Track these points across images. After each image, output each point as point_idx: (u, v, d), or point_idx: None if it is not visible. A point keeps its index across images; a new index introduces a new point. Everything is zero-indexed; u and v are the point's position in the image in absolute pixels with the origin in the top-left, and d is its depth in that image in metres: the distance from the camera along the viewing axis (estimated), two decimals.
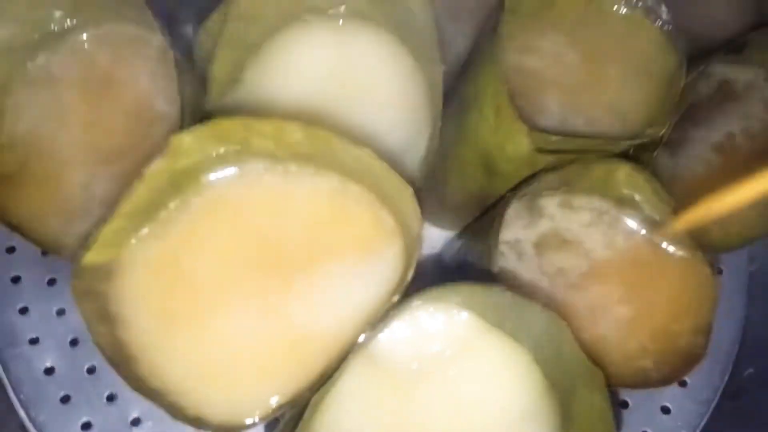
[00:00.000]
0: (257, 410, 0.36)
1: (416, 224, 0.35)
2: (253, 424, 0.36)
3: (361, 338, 0.35)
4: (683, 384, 0.54)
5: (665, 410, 0.54)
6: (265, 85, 0.44)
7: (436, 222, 0.54)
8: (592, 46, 0.46)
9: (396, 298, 0.35)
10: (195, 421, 0.36)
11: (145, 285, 0.38)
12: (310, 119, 0.37)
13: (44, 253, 0.54)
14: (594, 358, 0.37)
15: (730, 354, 0.57)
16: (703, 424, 0.54)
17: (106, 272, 0.37)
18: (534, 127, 0.39)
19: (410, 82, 0.45)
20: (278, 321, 0.38)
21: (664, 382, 0.41)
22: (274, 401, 0.36)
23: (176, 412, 0.36)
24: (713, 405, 0.55)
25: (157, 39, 0.44)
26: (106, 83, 0.45)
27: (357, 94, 0.45)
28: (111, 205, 0.36)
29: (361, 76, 0.45)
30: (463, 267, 0.45)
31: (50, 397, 0.51)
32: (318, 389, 0.34)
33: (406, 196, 0.35)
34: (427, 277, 0.36)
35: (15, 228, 0.41)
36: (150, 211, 0.38)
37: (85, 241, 0.36)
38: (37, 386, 0.51)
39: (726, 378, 0.56)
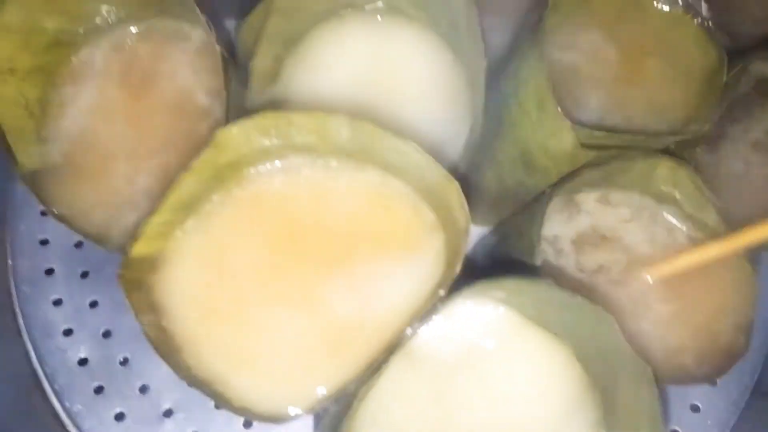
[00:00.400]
0: (301, 401, 0.37)
1: (462, 218, 0.35)
2: (297, 416, 0.36)
3: (408, 331, 0.35)
4: (713, 383, 0.54)
5: (695, 408, 0.54)
6: (305, 80, 0.45)
7: (472, 217, 0.53)
8: (631, 41, 0.46)
9: (443, 292, 0.35)
10: (240, 410, 0.36)
11: (189, 276, 0.38)
12: (349, 112, 0.38)
13: (77, 245, 0.55)
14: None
15: (760, 353, 0.56)
16: (733, 422, 0.54)
17: (152, 264, 0.38)
18: (577, 123, 0.39)
19: (449, 76, 0.45)
20: (321, 313, 0.38)
21: (703, 379, 0.41)
22: (318, 393, 0.37)
23: (222, 401, 0.36)
24: (743, 404, 0.55)
25: (198, 34, 0.45)
26: (149, 77, 0.45)
27: (395, 88, 0.45)
28: (157, 198, 0.37)
29: (398, 71, 0.45)
30: (500, 262, 0.45)
31: (84, 388, 0.51)
32: (365, 381, 0.34)
33: (451, 190, 0.35)
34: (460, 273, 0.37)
35: (62, 219, 0.42)
36: (195, 204, 0.39)
37: (133, 233, 0.36)
38: (71, 377, 0.52)
39: (756, 377, 0.56)
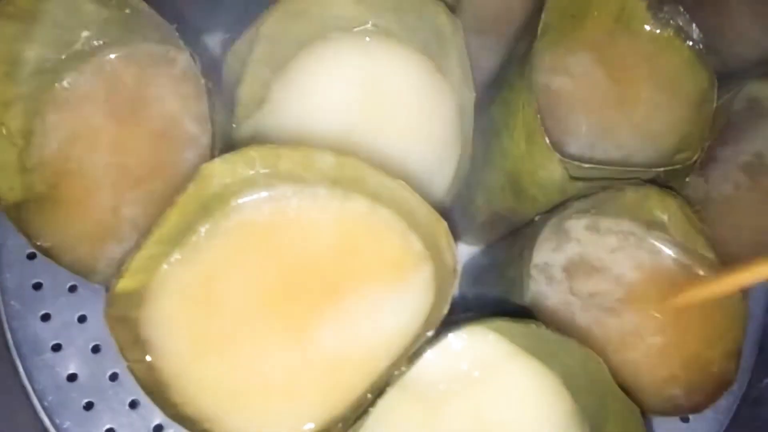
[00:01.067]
0: None
1: (450, 259, 0.35)
2: None
3: (396, 373, 0.35)
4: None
5: (684, 419, 0.54)
6: (292, 104, 0.44)
7: (462, 237, 0.53)
8: (621, 65, 0.45)
9: (431, 333, 0.35)
10: None
11: (176, 310, 0.38)
12: (339, 140, 0.37)
13: None
14: (622, 385, 0.37)
15: (749, 362, 0.57)
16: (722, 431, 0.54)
17: (138, 299, 0.37)
18: (565, 155, 0.39)
19: (439, 101, 0.44)
20: (309, 347, 0.38)
21: (693, 410, 0.41)
22: (306, 428, 0.37)
23: None
24: (732, 413, 0.55)
25: (184, 59, 0.44)
26: (133, 103, 0.45)
27: (384, 112, 0.45)
28: (143, 228, 0.36)
29: (388, 94, 0.45)
30: (488, 293, 0.45)
31: (73, 404, 0.51)
32: (354, 421, 0.34)
33: (440, 230, 0.35)
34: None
35: (45, 252, 0.42)
36: (181, 236, 0.38)
37: (118, 269, 0.36)
38: (61, 393, 0.51)
39: (745, 386, 0.56)
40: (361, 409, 0.35)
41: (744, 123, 0.48)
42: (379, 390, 0.35)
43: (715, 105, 0.42)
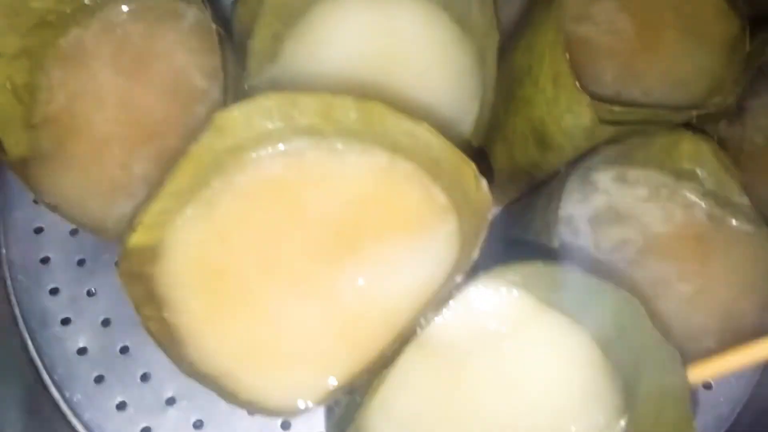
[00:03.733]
0: (310, 394, 0.36)
1: (481, 201, 0.33)
2: (307, 409, 0.35)
3: (422, 321, 0.34)
4: None
5: (707, 386, 0.53)
6: (306, 58, 0.43)
7: None
8: (647, 11, 0.44)
9: (459, 278, 0.33)
10: (248, 404, 0.35)
11: (191, 267, 0.37)
12: (354, 91, 0.36)
13: (73, 233, 0.53)
14: None
15: None
16: (746, 399, 0.53)
17: (151, 254, 0.36)
18: (595, 97, 0.38)
19: (456, 51, 0.43)
20: (329, 302, 0.37)
21: None
22: (327, 384, 0.36)
23: (228, 396, 0.35)
24: (755, 380, 0.54)
25: (193, 12, 0.43)
26: (142, 59, 0.44)
27: (399, 65, 0.44)
28: (154, 184, 0.35)
29: (402, 46, 0.44)
30: (513, 244, 0.44)
31: (84, 378, 0.50)
32: (379, 372, 0.33)
33: (467, 173, 0.33)
34: None
35: (55, 210, 0.41)
36: (194, 191, 0.37)
37: (130, 223, 0.35)
38: (71, 367, 0.51)
39: None
40: (384, 363, 0.34)
41: None
42: (405, 339, 0.34)
43: (747, 49, 0.40)
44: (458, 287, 0.34)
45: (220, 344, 0.36)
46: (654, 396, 0.35)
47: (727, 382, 0.53)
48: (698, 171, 0.41)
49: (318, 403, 0.35)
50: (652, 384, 0.35)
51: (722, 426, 0.51)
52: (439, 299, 0.35)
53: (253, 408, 0.35)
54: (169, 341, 0.35)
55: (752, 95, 0.47)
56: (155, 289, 0.36)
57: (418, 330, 0.34)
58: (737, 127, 0.46)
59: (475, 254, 0.33)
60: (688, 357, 0.39)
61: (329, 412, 0.39)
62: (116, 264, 0.34)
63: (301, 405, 0.35)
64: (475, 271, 0.34)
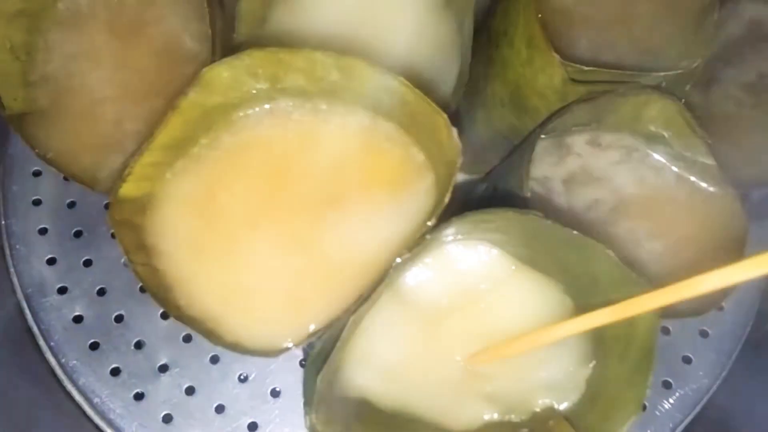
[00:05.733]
0: (292, 336, 0.37)
1: (452, 149, 0.35)
2: (288, 348, 0.37)
3: (397, 260, 0.35)
4: (705, 335, 0.54)
5: (686, 360, 0.54)
6: (293, 21, 0.44)
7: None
8: None
9: (431, 222, 0.35)
10: (232, 346, 0.36)
11: (179, 218, 0.38)
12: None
13: (70, 205, 0.55)
14: None
15: (752, 304, 0.56)
16: (725, 374, 0.54)
17: (141, 205, 0.38)
18: (566, 58, 0.39)
19: (437, 15, 0.45)
20: (310, 252, 0.38)
21: (692, 314, 0.40)
22: (307, 327, 0.37)
23: (214, 338, 0.36)
24: (735, 355, 0.55)
25: None
26: (135, 23, 0.45)
27: (382, 29, 0.45)
28: (146, 138, 0.36)
29: (385, 9, 0.45)
30: (488, 200, 0.45)
31: (79, 344, 0.51)
32: (355, 310, 0.34)
33: (440, 122, 0.35)
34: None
35: (50, 162, 0.42)
36: (183, 146, 0.39)
37: (121, 174, 0.36)
38: (66, 334, 0.52)
39: (748, 329, 0.56)
40: (360, 302, 0.35)
41: (747, 43, 0.48)
42: (380, 279, 0.35)
43: (715, 18, 0.42)
44: (429, 230, 0.35)
45: (207, 289, 0.37)
46: (619, 340, 0.36)
47: (707, 357, 0.54)
48: (666, 134, 0.43)
49: (299, 344, 0.37)
50: (618, 328, 0.35)
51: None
52: (412, 242, 0.36)
53: (236, 349, 0.36)
54: (157, 286, 0.36)
55: (724, 66, 0.48)
56: (145, 239, 0.38)
57: (393, 270, 0.35)
58: (707, 95, 0.48)
59: (446, 199, 0.34)
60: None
61: (309, 347, 0.40)
62: (106, 208, 0.35)
63: (284, 345, 0.37)
64: (447, 218, 0.36)
